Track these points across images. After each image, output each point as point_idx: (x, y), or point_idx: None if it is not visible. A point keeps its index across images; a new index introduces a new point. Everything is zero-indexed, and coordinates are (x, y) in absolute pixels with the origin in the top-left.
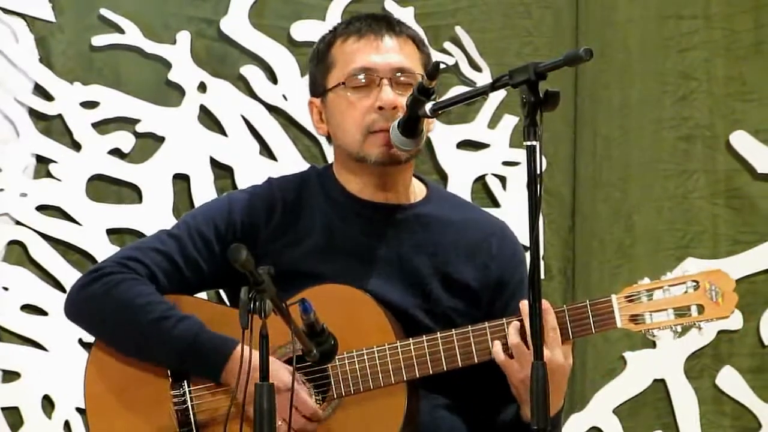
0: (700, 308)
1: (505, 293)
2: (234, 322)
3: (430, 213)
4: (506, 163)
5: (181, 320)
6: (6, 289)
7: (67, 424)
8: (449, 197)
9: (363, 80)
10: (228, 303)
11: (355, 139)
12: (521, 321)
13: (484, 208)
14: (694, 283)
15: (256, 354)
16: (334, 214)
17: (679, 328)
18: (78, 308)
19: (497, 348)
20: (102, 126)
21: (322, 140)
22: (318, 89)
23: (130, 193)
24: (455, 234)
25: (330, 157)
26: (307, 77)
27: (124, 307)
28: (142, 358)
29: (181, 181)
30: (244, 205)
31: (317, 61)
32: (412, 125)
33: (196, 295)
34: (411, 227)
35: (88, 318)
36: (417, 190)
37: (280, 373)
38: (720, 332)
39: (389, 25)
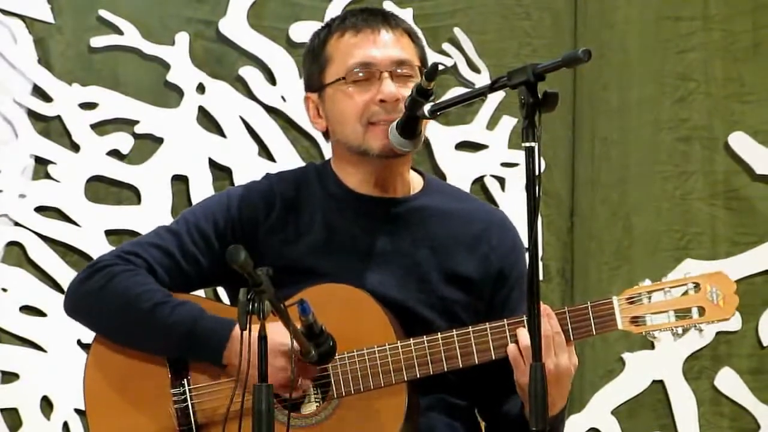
0: (701, 310)
1: (505, 286)
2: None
3: (428, 205)
4: (505, 165)
5: (178, 306)
6: (5, 290)
7: (65, 425)
8: (446, 188)
9: (363, 75)
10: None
11: (356, 131)
12: (524, 323)
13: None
14: (695, 285)
15: (256, 328)
16: (333, 210)
17: (679, 330)
18: (77, 302)
19: (513, 346)
20: (101, 127)
21: (321, 141)
22: (314, 85)
23: (129, 194)
24: (454, 225)
25: (328, 157)
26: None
27: (122, 297)
28: (141, 348)
29: (180, 182)
30: (242, 201)
31: (313, 58)
32: (410, 126)
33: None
34: (410, 220)
35: (87, 311)
36: (414, 183)
37: (279, 335)
38: (719, 333)
39: (385, 18)
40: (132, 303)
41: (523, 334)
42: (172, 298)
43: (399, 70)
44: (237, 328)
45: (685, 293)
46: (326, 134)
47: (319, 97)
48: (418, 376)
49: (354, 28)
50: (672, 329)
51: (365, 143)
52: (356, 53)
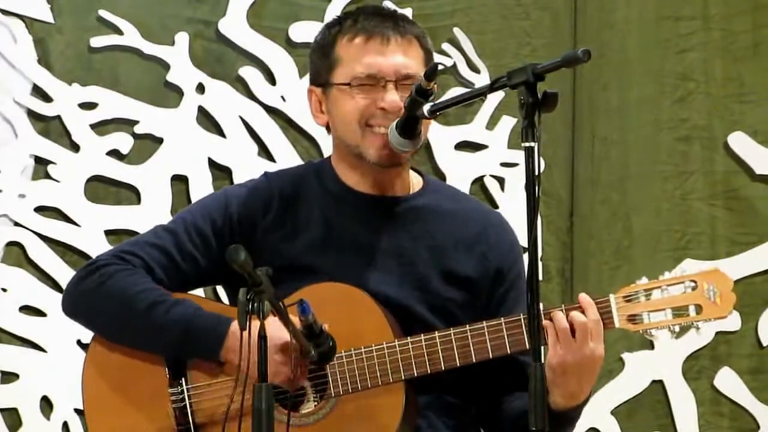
0: (698, 308)
1: (503, 284)
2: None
3: (427, 205)
4: (504, 165)
5: (175, 304)
6: (5, 290)
7: (65, 425)
8: (445, 188)
9: (368, 81)
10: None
11: (354, 132)
12: (563, 310)
13: None
14: (693, 283)
15: (256, 325)
16: (331, 208)
17: (677, 328)
18: (74, 302)
19: (552, 330)
20: (100, 127)
21: (321, 141)
22: (320, 80)
23: (129, 194)
24: (452, 225)
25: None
26: (305, 78)
27: (119, 296)
28: (139, 347)
29: (180, 182)
30: (240, 199)
31: (322, 54)
32: (410, 126)
33: (193, 293)
34: (408, 219)
35: (85, 311)
36: (414, 182)
37: (278, 331)
38: (718, 333)
39: (396, 25)
40: (128, 302)
41: (558, 318)
42: (168, 297)
43: (404, 82)
44: (234, 324)
45: (683, 291)
46: (327, 128)
47: (323, 93)
48: (415, 375)
49: (365, 32)
50: (669, 327)
51: (363, 148)
52: (364, 61)
